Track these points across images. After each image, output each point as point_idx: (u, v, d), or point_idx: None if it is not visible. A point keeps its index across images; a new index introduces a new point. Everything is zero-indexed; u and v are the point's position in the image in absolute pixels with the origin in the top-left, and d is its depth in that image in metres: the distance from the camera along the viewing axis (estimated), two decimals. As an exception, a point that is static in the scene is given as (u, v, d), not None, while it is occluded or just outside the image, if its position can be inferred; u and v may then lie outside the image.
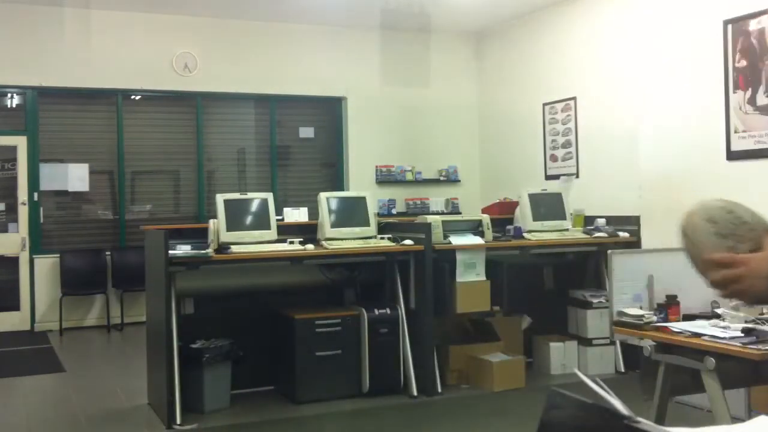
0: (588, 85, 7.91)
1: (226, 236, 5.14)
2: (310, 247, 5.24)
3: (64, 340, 7.99)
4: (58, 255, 8.49)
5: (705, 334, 3.05)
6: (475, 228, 5.83)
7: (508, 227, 6.11)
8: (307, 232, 5.55)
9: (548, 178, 8.47)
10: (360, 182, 9.49)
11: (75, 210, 8.96)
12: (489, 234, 5.80)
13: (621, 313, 3.38)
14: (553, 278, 6.46)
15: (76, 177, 8.74)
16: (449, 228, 5.71)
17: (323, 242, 5.41)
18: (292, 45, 9.41)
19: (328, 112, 9.90)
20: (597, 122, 7.82)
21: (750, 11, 5.91)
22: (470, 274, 5.60)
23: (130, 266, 8.35)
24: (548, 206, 6.33)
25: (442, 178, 10.02)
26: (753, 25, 5.88)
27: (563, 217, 6.37)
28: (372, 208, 5.86)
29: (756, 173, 5.90)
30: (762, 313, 3.32)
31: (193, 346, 5.05)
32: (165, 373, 4.83)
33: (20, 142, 8.52)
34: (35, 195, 8.54)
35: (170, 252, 4.84)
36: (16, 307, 8.46)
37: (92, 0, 8.25)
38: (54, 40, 8.39)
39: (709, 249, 1.61)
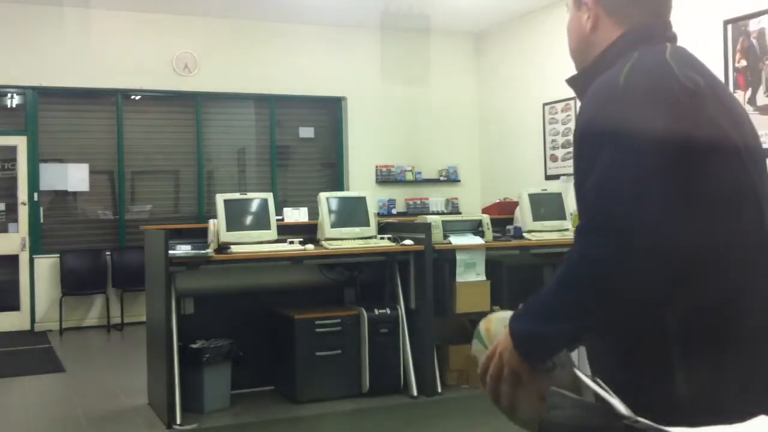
0: (588, 85, 7.91)
1: (226, 236, 5.14)
2: (310, 247, 5.24)
3: (64, 340, 7.99)
4: (58, 255, 8.50)
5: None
6: (475, 228, 5.83)
7: (508, 227, 6.11)
8: (307, 232, 5.55)
9: (548, 178, 8.47)
10: (360, 182, 9.49)
11: (75, 210, 8.97)
12: (489, 234, 5.80)
13: (621, 313, 3.37)
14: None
15: (76, 177, 8.74)
16: (449, 228, 5.71)
17: (323, 242, 5.41)
18: (292, 45, 9.41)
19: (328, 112, 9.90)
20: (597, 122, 7.82)
21: (750, 11, 5.92)
22: (470, 274, 5.60)
23: (130, 266, 8.35)
24: (548, 206, 6.33)
25: (442, 178, 10.02)
26: (753, 25, 5.89)
27: (563, 217, 6.37)
28: (372, 208, 5.86)
29: (756, 173, 5.90)
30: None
31: (193, 346, 5.05)
32: (165, 373, 4.83)
33: (20, 142, 8.52)
34: (35, 195, 8.54)
35: (170, 252, 4.84)
36: (16, 307, 8.46)
37: (92, 0, 8.25)
38: (54, 40, 8.40)
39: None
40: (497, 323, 1.52)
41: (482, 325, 1.56)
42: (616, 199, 1.28)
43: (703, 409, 1.29)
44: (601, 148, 1.34)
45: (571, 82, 1.66)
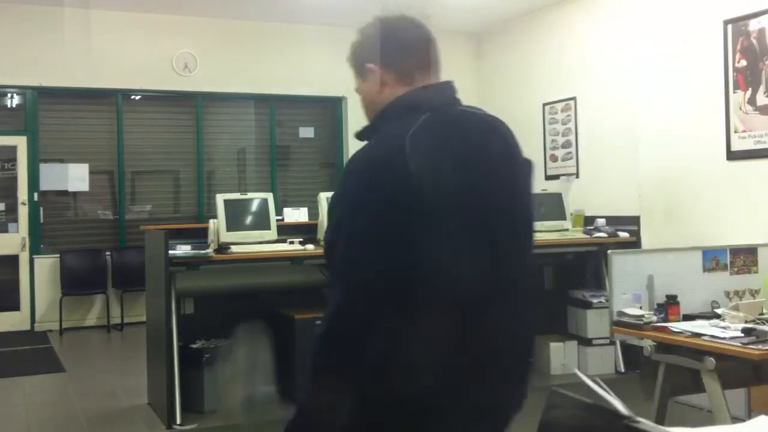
0: (588, 85, 7.91)
1: (226, 236, 5.14)
2: (310, 247, 5.24)
3: (64, 340, 7.99)
4: (58, 255, 8.49)
5: (705, 334, 3.05)
6: (475, 228, 5.83)
7: (508, 227, 6.10)
8: (307, 232, 5.55)
9: (548, 178, 8.46)
10: (360, 182, 9.47)
11: (75, 210, 8.96)
12: (489, 234, 5.79)
13: (621, 313, 3.38)
14: (553, 278, 6.45)
15: (76, 177, 8.74)
16: (449, 228, 5.70)
17: (323, 242, 5.40)
18: (291, 45, 9.41)
19: (328, 112, 9.90)
20: (597, 122, 7.82)
21: (750, 11, 5.91)
22: (470, 274, 5.60)
23: (130, 266, 8.35)
24: (548, 206, 6.33)
25: (442, 178, 10.01)
26: (753, 25, 5.89)
27: (563, 217, 6.37)
28: (372, 208, 5.85)
29: (756, 173, 5.90)
30: (762, 313, 3.32)
31: (193, 346, 5.05)
32: (165, 373, 4.83)
33: (20, 142, 8.52)
34: (35, 195, 8.54)
35: (170, 252, 4.84)
36: (16, 307, 8.46)
37: (92, 0, 8.24)
38: (54, 40, 8.39)
39: None
40: None
41: None
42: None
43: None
44: (336, 210, 1.63)
45: (358, 135, 1.78)
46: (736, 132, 6.02)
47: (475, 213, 1.57)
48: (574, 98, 8.09)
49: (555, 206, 6.37)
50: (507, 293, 1.61)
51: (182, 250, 5.01)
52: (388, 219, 1.50)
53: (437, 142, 1.56)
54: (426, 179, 1.50)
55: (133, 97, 9.11)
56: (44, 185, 8.61)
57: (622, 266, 3.44)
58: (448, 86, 1.72)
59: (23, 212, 8.50)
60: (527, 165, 1.73)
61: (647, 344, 3.26)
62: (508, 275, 1.62)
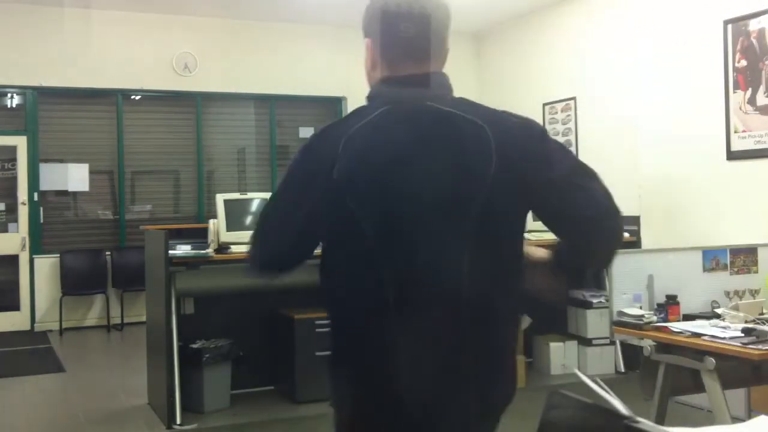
0: (588, 85, 7.91)
1: (226, 236, 5.14)
2: (310, 247, 5.23)
3: (64, 340, 7.99)
4: (58, 255, 8.49)
5: (705, 334, 3.05)
6: (475, 228, 5.83)
7: (508, 227, 6.10)
8: (307, 232, 5.54)
9: (548, 178, 8.47)
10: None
11: (75, 210, 8.96)
12: (489, 234, 5.79)
13: (621, 313, 3.38)
14: (553, 278, 6.44)
15: (76, 177, 8.74)
16: (449, 228, 5.70)
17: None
18: (291, 45, 9.41)
19: (328, 112, 9.89)
20: (597, 122, 7.82)
21: (750, 11, 5.91)
22: (470, 274, 5.60)
23: (130, 266, 8.35)
24: (548, 206, 6.33)
25: (442, 178, 10.01)
26: (753, 25, 5.89)
27: (563, 217, 6.36)
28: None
29: (756, 173, 5.90)
30: (762, 313, 3.32)
31: (193, 346, 5.05)
32: (165, 373, 4.83)
33: (20, 142, 8.52)
34: (35, 195, 8.54)
35: (170, 252, 4.84)
36: (16, 307, 8.46)
37: (92, 0, 8.24)
38: (54, 40, 8.39)
39: None
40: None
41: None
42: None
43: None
44: None
45: None
46: (736, 132, 6.02)
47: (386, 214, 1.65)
48: (574, 98, 8.09)
49: (555, 206, 6.37)
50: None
51: (182, 250, 5.01)
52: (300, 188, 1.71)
53: (365, 150, 1.65)
54: (343, 187, 1.62)
55: (133, 97, 9.11)
56: (44, 185, 8.61)
57: (622, 266, 3.44)
58: (427, 79, 1.73)
59: (23, 212, 8.50)
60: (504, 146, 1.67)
61: (647, 344, 3.26)
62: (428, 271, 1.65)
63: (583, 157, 7.18)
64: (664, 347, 3.21)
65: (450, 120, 1.70)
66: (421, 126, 1.68)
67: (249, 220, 5.34)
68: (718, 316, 3.30)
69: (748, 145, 5.93)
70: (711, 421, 2.99)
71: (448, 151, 1.67)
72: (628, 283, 3.44)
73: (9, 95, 8.67)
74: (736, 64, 6.00)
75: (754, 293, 3.58)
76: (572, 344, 6.10)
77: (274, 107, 9.60)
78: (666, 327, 3.21)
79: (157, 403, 5.14)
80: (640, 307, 3.39)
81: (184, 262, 4.94)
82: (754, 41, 5.88)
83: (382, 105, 1.70)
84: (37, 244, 8.53)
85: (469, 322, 1.65)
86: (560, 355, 6.05)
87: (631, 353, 5.67)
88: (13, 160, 8.53)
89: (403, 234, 1.65)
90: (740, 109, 5.98)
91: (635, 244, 6.12)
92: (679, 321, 3.29)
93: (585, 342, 6.06)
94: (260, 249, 1.79)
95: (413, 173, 1.64)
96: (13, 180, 8.54)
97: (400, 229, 1.65)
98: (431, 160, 1.65)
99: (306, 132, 9.86)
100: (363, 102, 1.85)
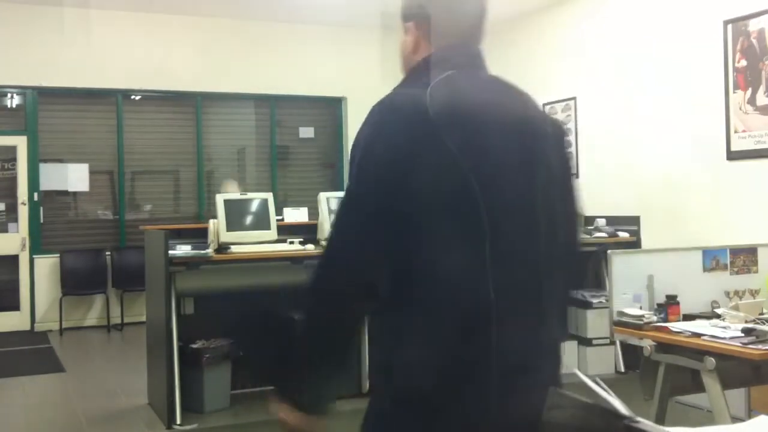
0: (588, 85, 7.91)
1: (226, 236, 5.14)
2: (310, 247, 5.24)
3: (64, 340, 7.99)
4: (58, 255, 8.49)
5: (705, 334, 3.05)
6: (475, 228, 5.82)
7: (508, 227, 6.09)
8: (307, 232, 5.54)
9: (548, 178, 8.47)
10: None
11: (75, 210, 8.96)
12: (489, 234, 5.79)
13: (621, 313, 3.37)
14: (553, 278, 6.44)
15: (76, 177, 8.74)
16: (449, 228, 5.69)
17: (323, 242, 5.40)
18: (291, 45, 9.41)
19: (328, 112, 9.90)
20: (597, 122, 7.82)
21: (750, 11, 5.91)
22: (470, 274, 5.59)
23: (130, 266, 8.35)
24: (548, 206, 6.32)
25: (442, 178, 10.01)
26: (753, 25, 5.89)
27: (563, 217, 6.36)
28: (372, 208, 5.85)
29: (756, 173, 5.90)
30: (762, 313, 3.32)
31: (193, 346, 5.05)
32: (165, 373, 4.83)
33: (20, 142, 8.52)
34: (35, 195, 8.54)
35: (170, 252, 4.84)
36: (16, 307, 8.46)
37: (92, 0, 8.24)
38: (54, 40, 8.39)
39: None
40: None
41: None
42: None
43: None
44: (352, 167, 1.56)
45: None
46: (736, 132, 6.02)
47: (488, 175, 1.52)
48: (574, 98, 8.09)
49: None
50: (517, 299, 1.51)
51: (182, 250, 5.01)
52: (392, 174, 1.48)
53: (457, 97, 1.56)
54: (446, 128, 1.49)
55: (133, 97, 9.11)
56: (44, 185, 8.61)
57: (622, 266, 3.44)
58: (477, 52, 1.77)
59: (23, 212, 8.50)
60: (553, 135, 1.70)
61: (647, 344, 3.25)
62: (519, 275, 1.53)
63: (583, 157, 7.24)
64: (664, 347, 3.21)
65: (516, 92, 1.76)
66: (489, 92, 1.68)
67: (249, 220, 5.34)
68: (718, 316, 3.30)
69: (748, 145, 5.93)
70: (711, 421, 2.99)
71: (521, 123, 1.66)
72: (628, 283, 3.44)
73: (9, 95, 8.67)
74: (736, 64, 6.00)
75: (754, 293, 3.58)
76: (572, 344, 6.09)
77: (274, 107, 9.60)
78: (666, 327, 3.21)
79: (157, 403, 5.14)
80: (640, 307, 3.39)
81: (184, 262, 4.94)
82: (754, 41, 5.88)
83: (445, 71, 1.61)
84: (37, 244, 8.53)
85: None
86: (560, 355, 6.05)
87: (631, 353, 5.66)
88: (13, 160, 8.53)
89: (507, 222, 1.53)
90: (740, 109, 5.98)
91: (635, 244, 6.12)
92: (679, 321, 3.29)
93: (585, 342, 6.06)
94: None
95: (500, 141, 1.58)
96: (13, 180, 8.54)
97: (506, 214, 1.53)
98: (510, 130, 1.61)
99: (306, 132, 9.86)
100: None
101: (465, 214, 1.48)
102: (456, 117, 1.52)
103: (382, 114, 1.54)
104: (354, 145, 1.58)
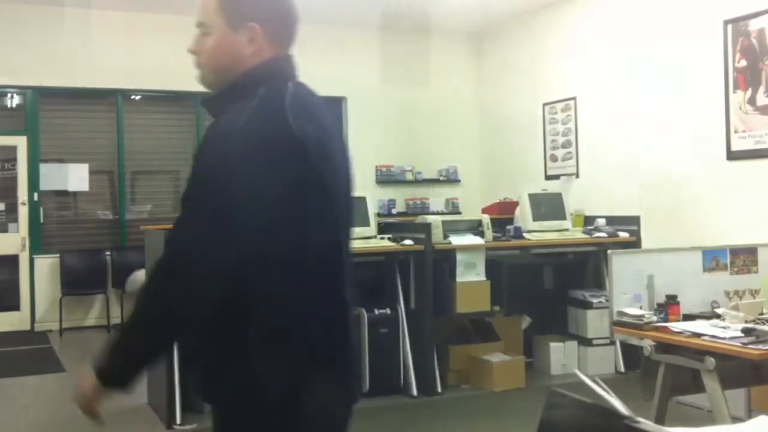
0: (588, 85, 7.91)
1: (226, 236, 5.13)
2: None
3: (64, 340, 7.99)
4: (58, 255, 8.49)
5: (705, 334, 3.05)
6: (475, 228, 5.83)
7: (508, 227, 6.11)
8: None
9: (548, 178, 8.47)
10: (360, 182, 9.43)
11: (75, 210, 8.96)
12: (489, 234, 5.80)
13: (621, 313, 3.38)
14: (553, 278, 6.46)
15: (76, 177, 8.74)
16: (449, 228, 5.71)
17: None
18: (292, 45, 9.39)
19: (328, 112, 9.88)
20: (597, 122, 7.82)
21: (750, 11, 5.91)
22: (470, 274, 5.61)
23: (130, 266, 8.34)
24: (548, 206, 6.33)
25: (442, 178, 10.01)
26: (753, 25, 5.89)
27: (563, 217, 6.37)
28: (372, 208, 5.86)
29: (756, 173, 5.90)
30: (762, 313, 3.32)
31: (193, 346, 5.04)
32: (165, 373, 4.83)
33: (20, 142, 8.52)
34: (35, 195, 8.54)
35: (170, 252, 4.83)
36: (16, 307, 8.46)
37: (92, 0, 8.24)
38: (54, 40, 8.39)
39: None
40: None
41: None
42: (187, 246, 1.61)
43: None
44: (196, 186, 1.60)
45: (206, 103, 1.92)
46: (736, 132, 6.02)
47: (338, 186, 1.74)
48: (574, 98, 8.09)
49: (555, 206, 6.37)
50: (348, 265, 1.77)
51: (182, 250, 5.00)
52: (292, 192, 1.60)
53: (310, 115, 1.69)
54: (313, 148, 1.62)
55: (133, 97, 9.11)
56: (44, 185, 8.61)
57: (622, 266, 3.44)
58: (294, 60, 1.83)
59: (23, 212, 8.51)
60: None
61: (647, 344, 3.26)
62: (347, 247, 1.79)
63: (583, 157, 7.23)
64: (664, 347, 3.21)
65: (326, 103, 1.92)
66: (323, 107, 1.84)
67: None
68: (718, 316, 3.30)
69: (748, 145, 5.93)
70: (711, 421, 2.99)
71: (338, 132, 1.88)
72: (628, 283, 3.44)
73: (9, 95, 8.67)
74: (736, 64, 6.01)
75: (754, 293, 3.58)
76: (572, 344, 6.10)
77: (274, 107, 9.60)
78: (666, 327, 3.21)
79: (157, 403, 5.14)
80: (640, 307, 3.39)
81: (184, 262, 4.93)
82: (754, 41, 5.88)
83: (287, 81, 1.75)
84: (37, 244, 8.53)
85: None
86: (560, 355, 6.06)
87: (631, 353, 5.67)
88: (13, 160, 8.53)
89: (344, 224, 1.80)
90: (740, 109, 5.99)
91: (635, 244, 6.13)
92: (679, 321, 3.29)
93: (585, 342, 6.06)
94: None
95: (337, 149, 1.79)
96: (13, 180, 8.54)
97: (343, 218, 1.78)
98: (342, 148, 1.84)
99: (306, 132, 9.86)
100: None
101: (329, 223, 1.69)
102: (316, 140, 1.65)
103: (250, 143, 1.58)
104: (215, 164, 1.59)
